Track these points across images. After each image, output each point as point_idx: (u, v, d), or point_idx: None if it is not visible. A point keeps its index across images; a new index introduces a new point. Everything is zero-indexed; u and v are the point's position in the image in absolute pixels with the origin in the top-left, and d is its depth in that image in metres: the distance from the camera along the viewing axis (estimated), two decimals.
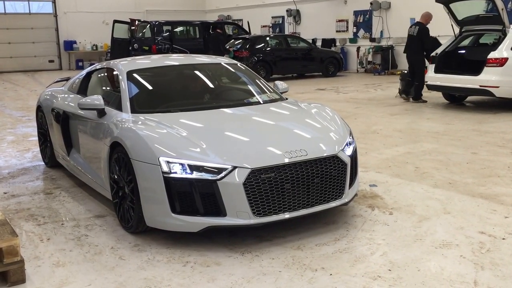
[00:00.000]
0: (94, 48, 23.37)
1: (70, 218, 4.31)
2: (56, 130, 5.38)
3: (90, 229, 4.04)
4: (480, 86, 8.84)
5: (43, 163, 6.10)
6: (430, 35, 10.41)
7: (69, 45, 23.12)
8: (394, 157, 6.08)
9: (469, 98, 10.40)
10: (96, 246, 3.72)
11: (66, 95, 5.53)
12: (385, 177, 5.24)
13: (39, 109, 6.00)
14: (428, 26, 10.33)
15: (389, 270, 3.24)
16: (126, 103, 4.37)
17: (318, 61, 16.73)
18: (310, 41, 17.74)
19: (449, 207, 4.33)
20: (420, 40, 10.26)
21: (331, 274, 3.20)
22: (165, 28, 17.46)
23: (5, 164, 6.18)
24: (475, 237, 3.71)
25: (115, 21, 17.94)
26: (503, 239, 3.66)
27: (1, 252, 3.13)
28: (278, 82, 5.24)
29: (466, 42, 10.03)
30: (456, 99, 10.25)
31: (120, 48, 17.11)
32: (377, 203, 4.48)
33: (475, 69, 8.95)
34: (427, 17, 10.38)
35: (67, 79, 6.29)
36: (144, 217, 3.70)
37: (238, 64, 5.45)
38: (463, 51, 9.96)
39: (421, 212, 4.24)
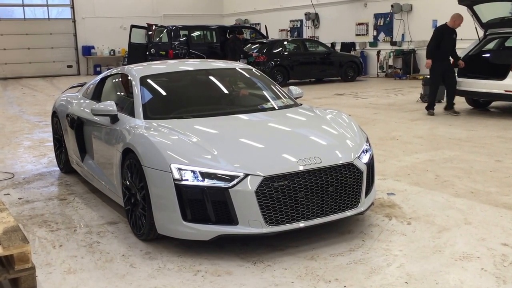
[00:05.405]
0: (112, 53, 23.58)
1: (83, 224, 4.30)
2: (71, 135, 5.40)
3: (102, 236, 4.02)
4: (506, 91, 8.60)
5: (58, 168, 6.13)
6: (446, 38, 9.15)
7: (87, 50, 23.37)
8: (414, 164, 5.93)
9: (494, 103, 10.15)
10: (108, 253, 3.70)
11: (80, 101, 5.55)
12: (403, 186, 5.11)
13: (54, 114, 6.05)
14: (455, 29, 9.17)
15: (406, 282, 3.13)
16: (139, 109, 4.35)
17: (337, 66, 16.57)
18: (329, 45, 17.60)
19: (471, 218, 4.19)
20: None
21: (345, 286, 3.12)
22: (182, 32, 17.50)
23: (21, 170, 6.23)
24: (497, 249, 3.57)
25: (133, 26, 18.07)
26: None
27: (12, 259, 3.13)
28: (292, 88, 5.18)
29: (490, 46, 9.78)
30: (480, 104, 10.01)
31: (137, 53, 17.20)
32: (394, 212, 4.35)
33: (500, 74, 8.71)
34: (452, 19, 9.19)
35: (82, 85, 6.32)
36: (155, 224, 3.66)
37: (253, 70, 5.39)
38: (488, 55, 9.71)
39: (441, 222, 4.11)
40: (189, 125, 4.09)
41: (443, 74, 9.20)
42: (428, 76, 10.87)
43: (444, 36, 9.13)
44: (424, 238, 3.79)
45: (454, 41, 9.20)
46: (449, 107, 9.37)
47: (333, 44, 18.44)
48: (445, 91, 9.59)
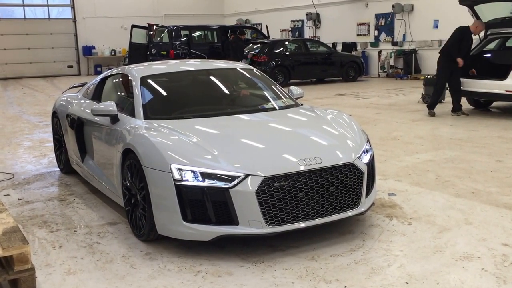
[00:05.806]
0: (113, 53, 23.53)
1: (83, 225, 4.29)
2: (71, 136, 5.39)
3: (102, 237, 4.01)
4: (507, 91, 8.57)
5: (58, 169, 6.12)
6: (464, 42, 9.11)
7: (88, 50, 23.31)
8: (415, 164, 5.92)
9: (495, 103, 10.13)
10: (108, 254, 3.69)
11: (80, 101, 5.54)
12: (404, 186, 5.10)
13: (54, 115, 6.04)
14: (473, 35, 9.15)
15: (407, 283, 3.12)
16: (139, 109, 4.34)
17: (338, 66, 16.56)
18: (330, 45, 17.58)
19: (471, 218, 4.18)
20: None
21: (345, 286, 3.11)
22: (183, 32, 17.50)
23: (21, 170, 6.22)
24: (498, 249, 3.56)
25: (133, 26, 18.06)
26: None
27: (12, 260, 3.12)
28: (293, 88, 5.16)
29: (491, 46, 9.74)
30: (481, 104, 9.98)
31: (138, 53, 17.21)
32: (395, 212, 4.34)
33: (501, 74, 8.68)
34: (475, 24, 9.15)
35: (82, 85, 6.31)
36: (155, 225, 3.65)
37: (254, 70, 5.38)
38: (489, 55, 9.68)
39: (442, 222, 4.09)
40: (190, 126, 4.08)
41: (450, 75, 9.15)
42: (429, 76, 10.83)
43: (463, 37, 9.06)
44: (424, 239, 3.78)
45: (469, 46, 9.15)
46: (458, 109, 9.24)
47: (334, 44, 18.43)
48: (450, 92, 9.45)
